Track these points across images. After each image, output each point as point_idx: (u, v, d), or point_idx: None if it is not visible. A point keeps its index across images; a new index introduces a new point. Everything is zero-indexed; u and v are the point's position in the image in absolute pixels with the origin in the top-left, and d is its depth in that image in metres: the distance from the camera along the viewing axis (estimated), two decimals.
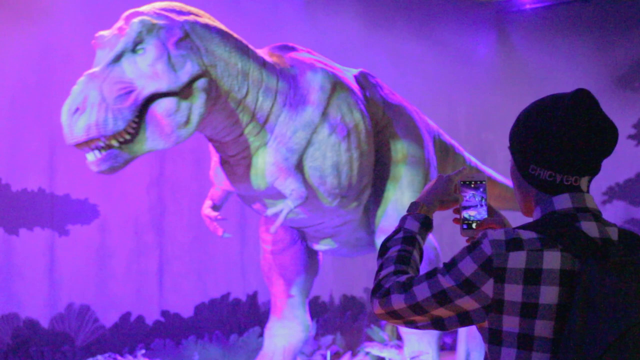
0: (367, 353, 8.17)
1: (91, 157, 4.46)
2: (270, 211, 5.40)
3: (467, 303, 1.98)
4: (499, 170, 7.27)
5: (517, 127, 2.11)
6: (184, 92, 4.61)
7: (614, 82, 11.17)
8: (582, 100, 2.00)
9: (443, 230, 8.16)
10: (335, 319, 9.04)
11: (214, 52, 4.82)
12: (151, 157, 8.10)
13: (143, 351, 7.59)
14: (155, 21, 4.61)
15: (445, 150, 6.58)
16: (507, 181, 7.02)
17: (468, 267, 1.97)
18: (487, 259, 1.95)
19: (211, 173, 5.61)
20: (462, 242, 2.22)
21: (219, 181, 5.53)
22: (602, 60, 11.17)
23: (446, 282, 1.99)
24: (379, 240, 5.85)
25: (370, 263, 7.94)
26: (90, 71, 4.50)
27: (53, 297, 7.52)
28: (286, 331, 6.29)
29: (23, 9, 7.46)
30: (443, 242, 6.40)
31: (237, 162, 5.30)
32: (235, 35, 5.02)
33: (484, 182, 2.33)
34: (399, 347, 7.45)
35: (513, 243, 1.94)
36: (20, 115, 7.44)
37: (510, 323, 1.95)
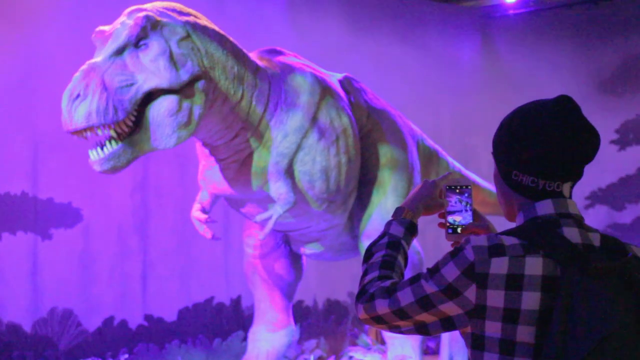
0: (351, 357, 8.19)
1: (94, 155, 4.44)
2: (259, 217, 5.40)
3: (450, 308, 1.99)
4: (482, 175, 7.29)
5: (500, 133, 2.12)
6: (184, 92, 4.60)
7: (597, 87, 11.23)
8: (565, 107, 2.01)
9: (427, 235, 8.16)
10: (319, 323, 9.04)
11: (213, 54, 4.81)
12: (135, 161, 8.07)
13: (126, 356, 7.58)
14: (159, 18, 4.61)
15: (428, 155, 6.60)
16: (490, 186, 7.05)
17: (451, 273, 1.98)
18: (469, 264, 1.96)
19: (199, 177, 5.59)
20: (446, 247, 2.23)
21: (208, 185, 5.51)
22: (585, 65, 11.23)
23: (429, 287, 2.00)
24: (363, 245, 5.87)
25: (353, 267, 7.93)
26: (92, 61, 4.47)
27: (36, 302, 7.49)
28: (270, 335, 6.28)
29: (7, 14, 7.43)
30: (427, 246, 6.41)
31: (227, 166, 5.29)
32: (231, 38, 5.03)
33: (469, 187, 2.34)
34: (383, 351, 7.47)
35: (495, 249, 1.95)
36: (3, 118, 7.41)
37: (493, 328, 1.96)
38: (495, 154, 2.14)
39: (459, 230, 2.32)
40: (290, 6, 9.41)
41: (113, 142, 4.45)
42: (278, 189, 5.22)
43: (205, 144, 5.28)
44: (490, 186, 7.03)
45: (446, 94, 10.67)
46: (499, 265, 1.93)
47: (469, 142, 10.47)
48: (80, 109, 4.28)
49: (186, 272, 8.37)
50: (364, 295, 2.11)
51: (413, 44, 10.54)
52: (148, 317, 8.11)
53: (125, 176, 8.01)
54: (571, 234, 1.98)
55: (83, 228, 7.78)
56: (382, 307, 2.06)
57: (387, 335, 6.27)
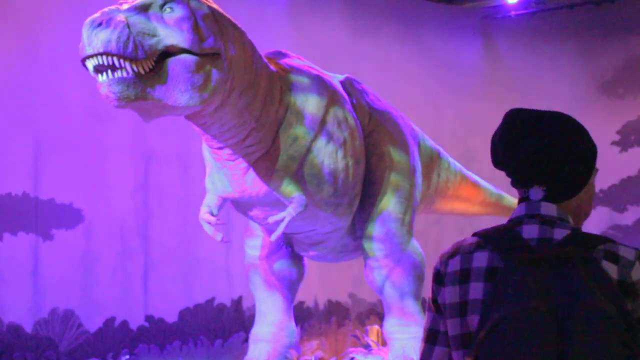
0: (352, 358, 8.18)
1: (103, 77, 4.22)
2: (272, 219, 5.37)
3: (444, 324, 2.08)
4: (484, 175, 7.28)
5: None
6: (204, 60, 4.46)
7: (598, 88, 11.23)
8: (507, 119, 2.11)
9: (428, 235, 8.16)
10: (320, 324, 9.04)
11: (235, 47, 4.74)
12: (136, 161, 8.08)
13: (127, 356, 7.58)
14: None
15: (430, 155, 6.60)
16: (491, 186, 7.06)
17: (432, 288, 2.11)
18: (436, 272, 2.10)
19: (207, 180, 5.52)
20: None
21: (216, 188, 5.44)
22: (586, 66, 11.22)
23: (426, 320, 2.13)
24: (366, 246, 5.87)
25: (354, 268, 7.95)
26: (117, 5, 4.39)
27: (37, 302, 7.50)
28: (271, 336, 6.28)
29: (9, 13, 7.44)
30: (427, 246, 6.41)
31: (236, 168, 5.23)
32: (248, 37, 4.97)
33: None
34: (384, 352, 7.46)
35: (453, 251, 2.07)
36: (4, 119, 7.42)
37: (451, 325, 2.04)
38: None
39: None
40: (291, 7, 9.41)
41: (126, 71, 4.23)
42: (289, 192, 5.19)
43: (215, 142, 5.17)
44: (490, 186, 7.03)
45: (448, 95, 10.67)
46: (454, 264, 2.05)
47: (470, 143, 10.47)
48: (101, 35, 4.13)
49: (187, 272, 8.37)
50: None
51: (414, 45, 10.54)
52: (149, 318, 8.11)
53: (127, 177, 8.01)
54: (529, 230, 2.02)
55: (84, 229, 7.78)
56: None
57: (388, 336, 6.27)
